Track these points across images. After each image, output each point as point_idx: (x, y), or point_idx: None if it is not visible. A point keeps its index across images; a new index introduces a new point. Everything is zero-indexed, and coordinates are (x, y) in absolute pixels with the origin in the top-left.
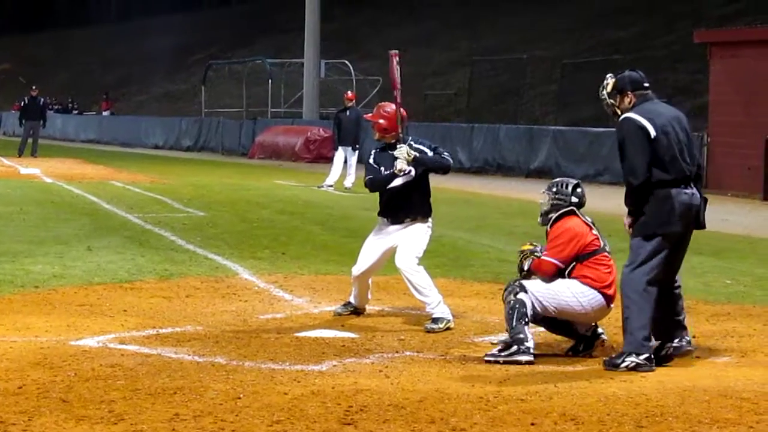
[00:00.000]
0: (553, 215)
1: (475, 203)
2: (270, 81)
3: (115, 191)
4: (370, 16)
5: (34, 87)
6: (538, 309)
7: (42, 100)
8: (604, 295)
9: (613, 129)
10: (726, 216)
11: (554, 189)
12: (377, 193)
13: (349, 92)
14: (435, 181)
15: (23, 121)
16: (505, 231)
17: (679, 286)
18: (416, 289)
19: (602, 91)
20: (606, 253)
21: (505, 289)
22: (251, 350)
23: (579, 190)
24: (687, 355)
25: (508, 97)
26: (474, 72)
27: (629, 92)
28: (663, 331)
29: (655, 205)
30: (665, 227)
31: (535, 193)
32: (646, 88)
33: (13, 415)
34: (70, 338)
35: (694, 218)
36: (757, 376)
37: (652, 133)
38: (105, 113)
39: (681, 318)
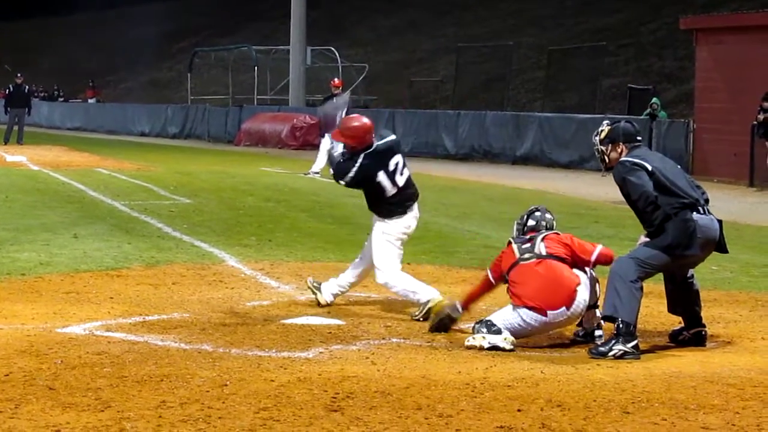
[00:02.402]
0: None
1: (461, 190)
2: (256, 68)
3: (102, 179)
4: (356, 3)
5: (19, 74)
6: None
7: (27, 87)
8: (531, 308)
9: (600, 115)
10: (712, 203)
11: (517, 221)
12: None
13: (335, 79)
14: (422, 167)
15: (8, 109)
16: (492, 217)
17: (692, 276)
18: (404, 296)
19: (595, 137)
20: (522, 263)
21: (473, 336)
22: (238, 337)
23: (537, 213)
24: (701, 344)
25: (495, 84)
26: (460, 59)
27: (621, 143)
28: (689, 318)
29: (675, 228)
30: (685, 250)
31: (522, 180)
32: (638, 141)
33: (1, 403)
34: (56, 326)
35: (717, 243)
36: (743, 362)
37: (649, 167)
38: (91, 101)
39: (698, 308)
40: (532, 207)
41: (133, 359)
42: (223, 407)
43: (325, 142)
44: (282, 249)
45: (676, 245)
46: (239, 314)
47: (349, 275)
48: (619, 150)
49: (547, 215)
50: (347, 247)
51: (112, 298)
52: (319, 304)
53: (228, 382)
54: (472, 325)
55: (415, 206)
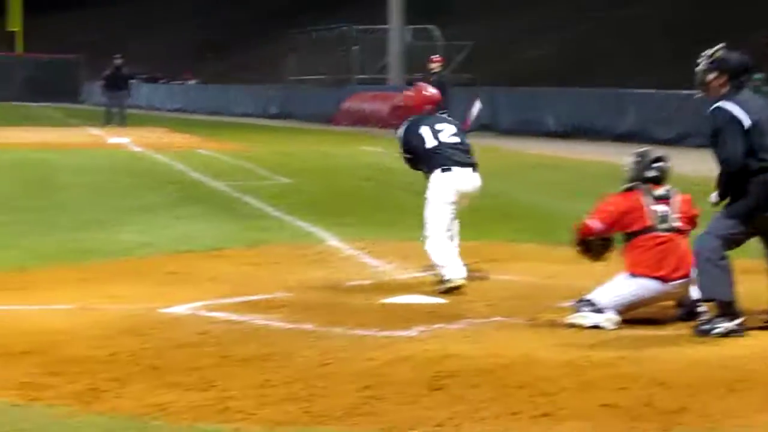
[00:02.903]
0: (623, 186)
1: (563, 168)
2: (355, 48)
3: (203, 159)
4: None
5: (118, 57)
6: (622, 306)
7: (126, 69)
8: (654, 278)
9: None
10: None
11: (635, 159)
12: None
13: (434, 56)
14: (523, 145)
15: (108, 92)
16: (592, 195)
17: None
18: (434, 265)
19: (703, 59)
20: (656, 233)
21: (575, 314)
22: (339, 316)
23: (660, 164)
24: None
25: (596, 60)
26: (563, 35)
27: (727, 76)
28: None
29: (753, 189)
30: (761, 211)
31: (624, 157)
32: (743, 79)
33: (106, 382)
34: (159, 306)
35: None
36: None
37: (746, 124)
38: (191, 82)
39: None
40: (654, 151)
41: (235, 339)
42: (326, 386)
43: None
44: (382, 228)
45: (755, 207)
46: (340, 293)
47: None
48: (722, 82)
49: (669, 164)
50: None
51: (214, 278)
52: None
53: (330, 361)
54: (574, 302)
55: (466, 171)
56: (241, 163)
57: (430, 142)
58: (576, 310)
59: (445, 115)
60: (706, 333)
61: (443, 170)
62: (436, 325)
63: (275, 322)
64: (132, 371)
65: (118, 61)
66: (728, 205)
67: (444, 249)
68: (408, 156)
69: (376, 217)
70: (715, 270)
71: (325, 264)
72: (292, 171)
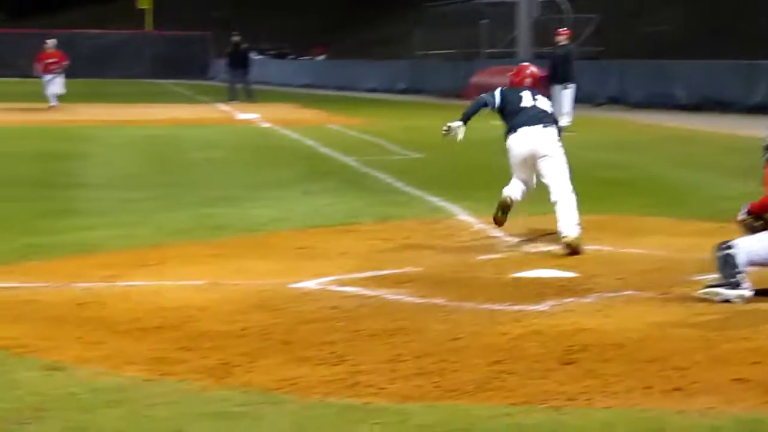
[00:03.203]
0: (765, 157)
1: (693, 141)
2: (484, 21)
3: (332, 135)
4: None
5: (235, 34)
6: (757, 260)
7: (245, 46)
8: None
9: None
10: None
11: None
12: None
13: (561, 29)
14: (654, 118)
15: (230, 69)
16: (725, 168)
17: None
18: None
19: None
20: None
21: (715, 252)
22: (470, 291)
23: None
24: None
25: (726, 32)
26: (691, 6)
27: None
28: None
29: None
30: None
31: (757, 130)
32: None
33: (237, 357)
34: (290, 281)
35: None
36: None
37: None
38: (320, 58)
39: None
40: None
41: (366, 313)
42: (457, 360)
43: (562, 92)
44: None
45: None
46: (471, 268)
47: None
48: None
49: None
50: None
51: (344, 253)
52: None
53: (461, 336)
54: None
55: (532, 130)
56: (370, 138)
57: (526, 102)
58: (710, 285)
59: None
60: None
61: (527, 126)
62: (567, 299)
63: (405, 297)
64: (263, 346)
65: (236, 38)
66: None
67: (514, 180)
68: (488, 105)
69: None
70: None
71: (455, 238)
72: (422, 145)
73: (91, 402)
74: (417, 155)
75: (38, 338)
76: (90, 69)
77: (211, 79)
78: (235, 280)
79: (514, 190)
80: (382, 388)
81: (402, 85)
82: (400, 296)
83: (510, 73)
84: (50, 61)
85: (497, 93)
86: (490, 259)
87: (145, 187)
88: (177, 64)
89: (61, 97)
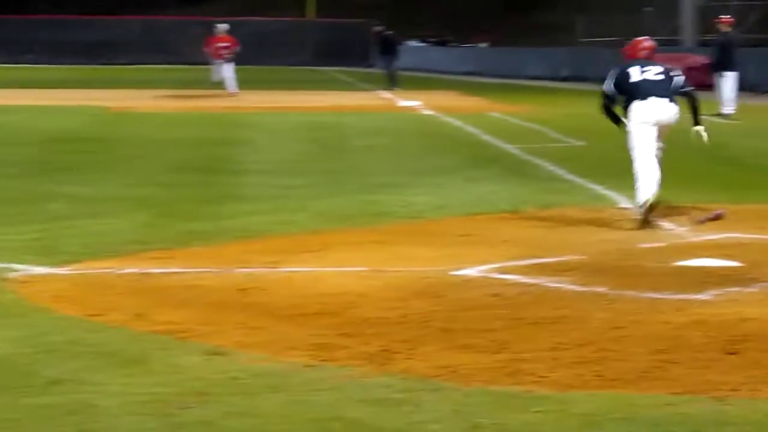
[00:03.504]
0: None
1: None
2: (647, 9)
3: (494, 122)
4: None
5: (377, 24)
6: None
7: (390, 34)
8: None
9: None
10: None
11: None
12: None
13: (722, 17)
14: None
15: (380, 57)
16: None
17: None
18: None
19: None
20: None
21: None
22: (632, 279)
23: None
24: None
25: None
26: None
27: None
28: None
29: None
30: None
31: None
32: None
33: (397, 344)
34: (451, 268)
35: None
36: None
37: None
38: (482, 45)
39: None
40: None
41: (528, 301)
42: (618, 349)
43: (721, 80)
44: (674, 191)
45: None
46: (633, 256)
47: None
48: None
49: None
50: (737, 189)
51: (506, 240)
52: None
53: (623, 324)
54: None
55: (662, 102)
56: (533, 125)
57: (635, 77)
58: None
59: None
60: None
61: (641, 100)
62: (731, 289)
63: (567, 285)
64: (424, 333)
65: (378, 28)
66: None
67: (644, 173)
68: (610, 92)
69: (669, 181)
70: None
71: (618, 226)
72: (585, 133)
73: (252, 387)
74: (579, 143)
75: (201, 323)
76: (252, 56)
77: (372, 66)
78: (397, 267)
79: (648, 190)
80: (543, 377)
81: (564, 73)
82: (562, 284)
83: (626, 47)
84: (221, 45)
85: (611, 84)
86: (653, 248)
87: (307, 173)
88: (338, 51)
89: (221, 84)
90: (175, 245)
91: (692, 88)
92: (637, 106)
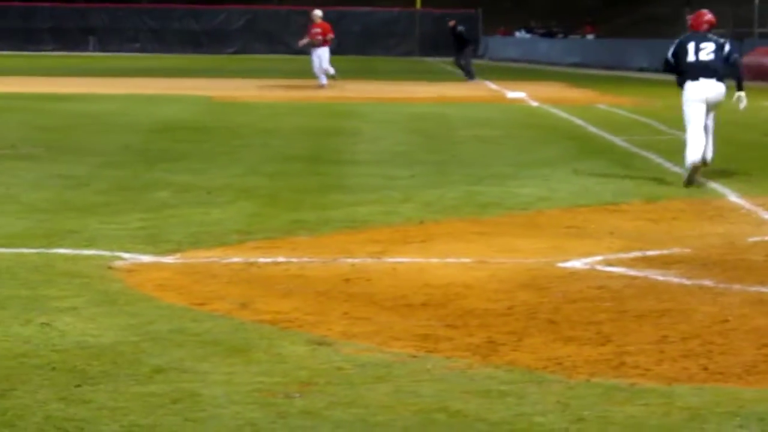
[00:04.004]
0: None
1: None
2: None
3: (600, 114)
4: None
5: (449, 19)
6: None
7: (460, 28)
8: None
9: None
10: None
11: None
12: None
13: None
14: None
15: (454, 49)
16: None
17: None
18: None
19: None
20: None
21: None
22: (739, 273)
23: None
24: None
25: None
26: None
27: None
28: None
29: None
30: None
31: None
32: None
33: (503, 335)
34: (557, 260)
35: None
36: None
37: None
38: (589, 37)
39: None
40: None
41: (633, 294)
42: (724, 343)
43: None
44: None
45: None
46: (740, 250)
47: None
48: None
49: None
50: None
51: (611, 232)
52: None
53: (729, 318)
54: None
55: (710, 82)
56: (640, 117)
57: (690, 57)
58: None
59: (711, 35)
60: None
61: (693, 80)
62: None
63: (673, 278)
64: (529, 325)
65: (451, 23)
66: None
67: (693, 140)
68: (670, 61)
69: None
70: None
71: (724, 220)
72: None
73: (357, 377)
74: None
75: (305, 313)
76: (359, 46)
77: (480, 56)
78: (502, 259)
79: (695, 153)
80: (648, 370)
81: None
82: (668, 277)
83: (691, 17)
84: (315, 31)
85: (670, 57)
86: (760, 241)
87: (413, 164)
88: (445, 42)
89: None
90: (280, 235)
91: (738, 56)
92: (689, 86)
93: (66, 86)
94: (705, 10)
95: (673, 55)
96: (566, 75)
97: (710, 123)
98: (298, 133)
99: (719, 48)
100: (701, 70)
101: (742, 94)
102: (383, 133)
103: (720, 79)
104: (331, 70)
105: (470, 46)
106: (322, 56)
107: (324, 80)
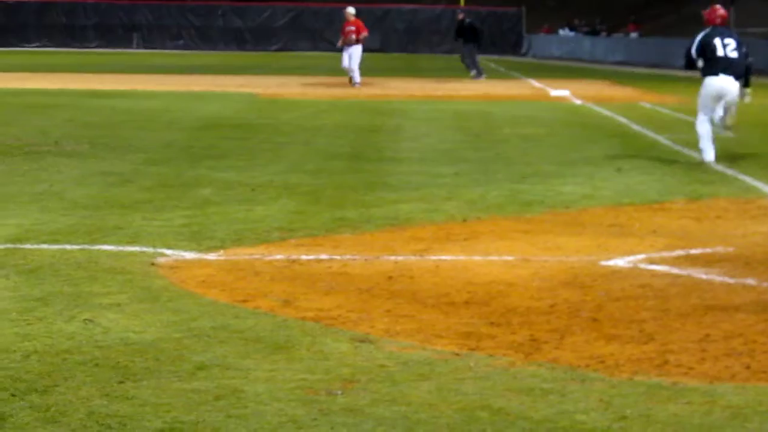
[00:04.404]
0: None
1: None
2: None
3: (644, 112)
4: None
5: (459, 11)
6: None
7: (468, 22)
8: None
9: None
10: None
11: None
12: None
13: None
14: None
15: (461, 44)
16: None
17: None
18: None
19: None
20: None
21: None
22: None
23: None
24: None
25: None
26: None
27: None
28: None
29: None
30: None
31: None
32: None
33: (545, 333)
34: (600, 258)
35: None
36: None
37: None
38: (633, 35)
39: None
40: None
41: (676, 292)
42: (767, 342)
43: None
44: None
45: None
46: None
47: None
48: None
49: None
50: None
51: (654, 231)
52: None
53: None
54: None
55: (729, 79)
56: (683, 116)
57: (719, 52)
58: None
59: (730, 30)
60: None
61: (713, 75)
62: None
63: (716, 277)
64: (572, 323)
65: (461, 16)
66: None
67: (701, 130)
68: (693, 56)
69: None
70: None
71: None
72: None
73: (400, 375)
74: (730, 134)
75: (348, 310)
76: (402, 44)
77: (524, 55)
78: (545, 257)
79: (710, 153)
80: (691, 368)
81: None
82: (711, 276)
83: (705, 12)
84: (349, 29)
85: (694, 50)
86: None
87: (456, 161)
88: (490, 39)
89: (369, 72)
90: (323, 232)
91: (751, 59)
92: (708, 80)
93: (110, 83)
94: (718, 5)
95: (699, 51)
96: (610, 73)
97: (732, 111)
98: (341, 131)
99: (740, 44)
100: (725, 67)
101: (749, 90)
102: (427, 131)
103: (738, 77)
104: (357, 78)
105: (479, 41)
106: (353, 55)
107: (358, 78)
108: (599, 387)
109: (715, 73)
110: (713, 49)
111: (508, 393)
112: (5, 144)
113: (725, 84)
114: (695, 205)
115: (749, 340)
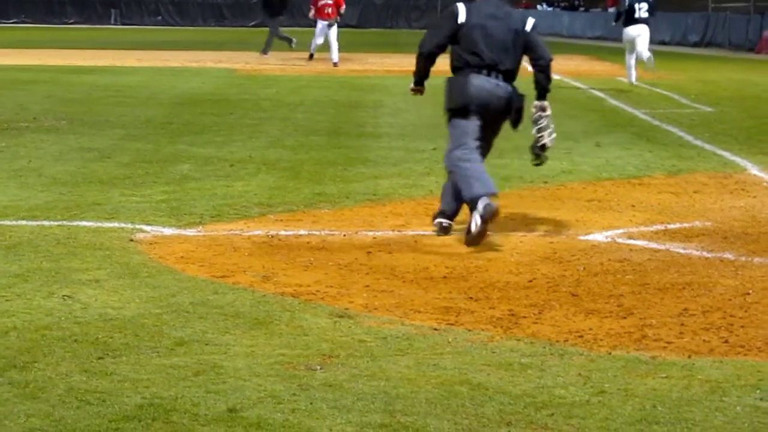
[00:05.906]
0: None
1: None
2: None
3: (622, 87)
4: None
5: None
6: None
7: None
8: None
9: None
10: None
11: None
12: None
13: None
14: None
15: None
16: None
17: None
18: None
19: None
20: None
21: None
22: (760, 246)
23: None
24: None
25: None
26: None
27: None
28: None
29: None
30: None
31: None
32: None
33: (524, 308)
34: (578, 233)
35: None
36: None
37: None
38: (611, 10)
39: None
40: None
41: (654, 267)
42: (746, 316)
43: None
44: None
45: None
46: (761, 223)
47: None
48: None
49: None
50: None
51: (633, 206)
52: None
53: (750, 291)
54: None
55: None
56: (662, 91)
57: (637, 14)
58: None
59: None
60: None
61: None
62: None
63: (694, 251)
64: (550, 297)
65: None
66: None
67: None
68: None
69: None
70: None
71: (747, 193)
72: (713, 100)
73: (379, 350)
74: (709, 109)
75: (327, 285)
76: (381, 19)
77: None
78: (523, 232)
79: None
80: (670, 342)
81: (694, 38)
82: (689, 250)
83: None
84: (324, 3)
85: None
86: None
87: (435, 137)
88: None
89: (348, 47)
90: (302, 208)
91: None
92: (628, 29)
93: (88, 59)
94: None
95: (627, 10)
96: (588, 48)
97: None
98: (320, 106)
99: (651, 7)
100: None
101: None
102: (405, 106)
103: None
104: (336, 57)
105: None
106: (331, 33)
107: (336, 57)
108: (578, 361)
109: (631, 24)
110: (633, 11)
111: (487, 368)
112: None
113: (636, 29)
114: (674, 179)
115: (727, 314)
